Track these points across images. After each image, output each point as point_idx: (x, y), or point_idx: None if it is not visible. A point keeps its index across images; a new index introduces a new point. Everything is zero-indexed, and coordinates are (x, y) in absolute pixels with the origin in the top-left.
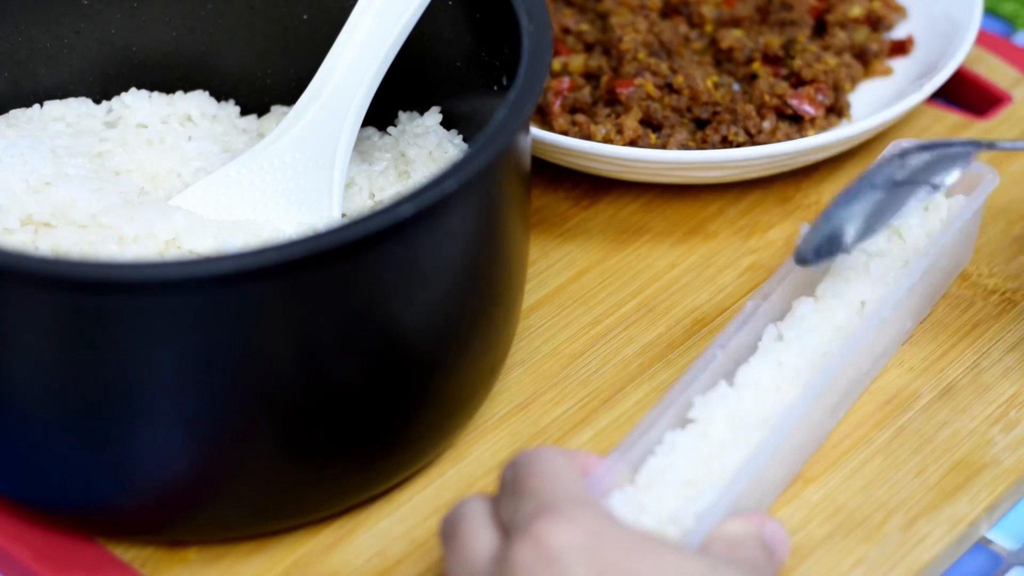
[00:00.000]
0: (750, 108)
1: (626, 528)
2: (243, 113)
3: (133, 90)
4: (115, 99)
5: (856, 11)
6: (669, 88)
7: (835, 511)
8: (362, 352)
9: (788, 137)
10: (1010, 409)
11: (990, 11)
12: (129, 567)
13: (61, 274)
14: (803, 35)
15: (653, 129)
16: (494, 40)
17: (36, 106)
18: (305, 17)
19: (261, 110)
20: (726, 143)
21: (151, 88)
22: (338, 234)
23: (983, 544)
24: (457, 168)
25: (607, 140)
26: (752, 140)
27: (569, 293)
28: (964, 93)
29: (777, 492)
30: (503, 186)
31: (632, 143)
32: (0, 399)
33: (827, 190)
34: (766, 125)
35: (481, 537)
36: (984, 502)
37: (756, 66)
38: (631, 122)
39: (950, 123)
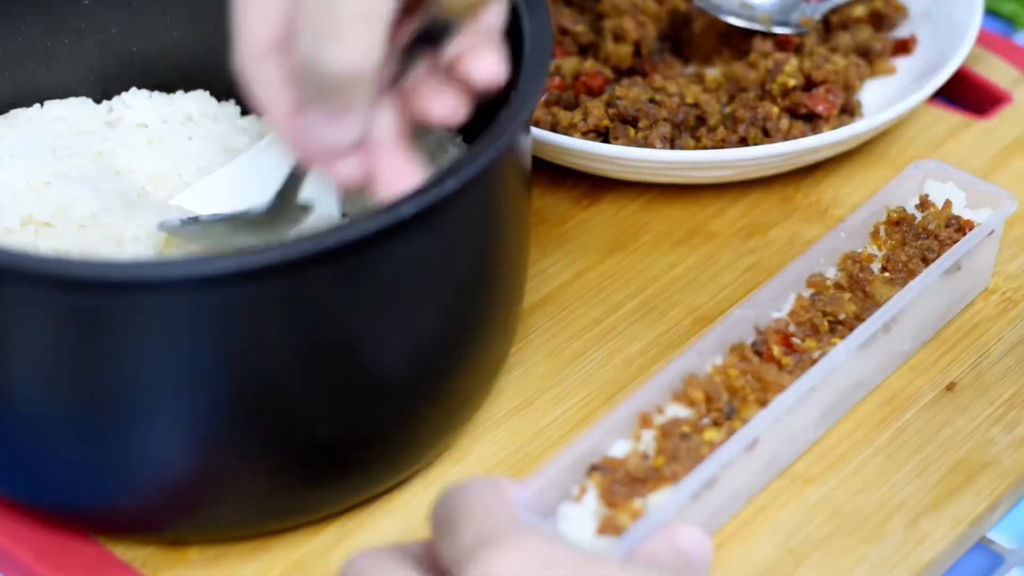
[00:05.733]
0: (769, 107)
1: (570, 550)
2: (243, 113)
3: (134, 90)
4: (115, 99)
5: (859, 11)
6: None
7: (835, 511)
8: (362, 352)
9: (802, 136)
10: (1010, 409)
11: (990, 11)
12: (129, 567)
13: (62, 273)
14: (810, 39)
15: (632, 125)
16: None
17: (37, 106)
18: None
19: None
20: (743, 142)
21: (151, 88)
22: (339, 234)
23: (984, 544)
24: (458, 168)
25: (571, 126)
26: (768, 139)
27: (569, 293)
28: (965, 93)
29: (743, 501)
30: (504, 186)
31: (606, 134)
32: (0, 399)
33: (827, 190)
34: (782, 123)
35: None
36: (985, 502)
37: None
38: (597, 109)
39: (951, 123)
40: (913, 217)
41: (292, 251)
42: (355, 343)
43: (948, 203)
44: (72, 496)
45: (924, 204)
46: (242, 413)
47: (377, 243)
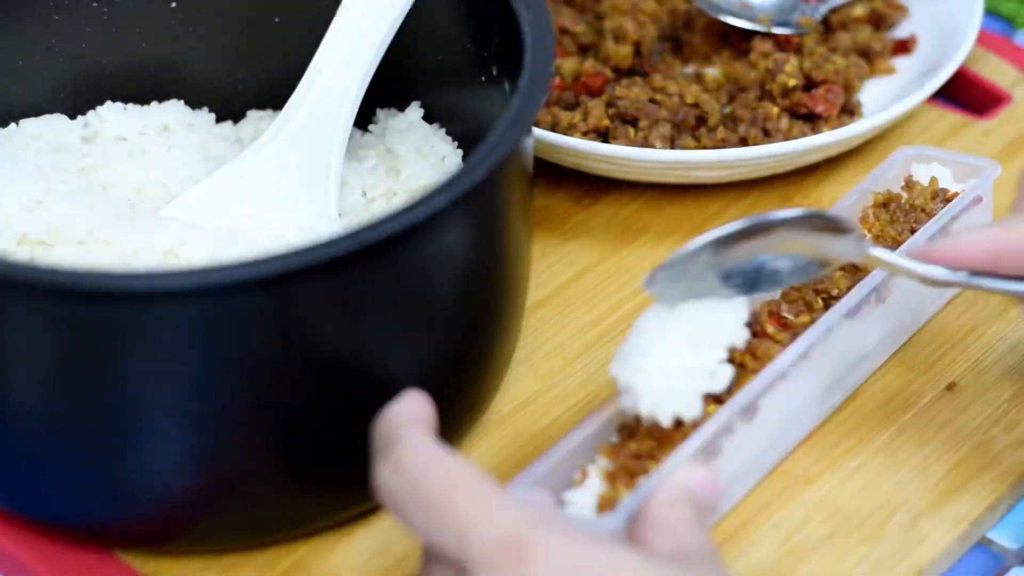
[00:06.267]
0: (769, 107)
1: (593, 548)
2: (218, 120)
3: (108, 103)
4: (91, 113)
5: (859, 11)
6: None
7: (836, 511)
8: (370, 360)
9: (802, 136)
10: (1010, 409)
11: (990, 11)
12: (129, 567)
13: (72, 285)
14: (811, 39)
15: (632, 125)
16: (481, 30)
17: (12, 125)
18: (276, 20)
19: (235, 116)
20: (743, 142)
21: (123, 100)
22: (357, 238)
23: (984, 544)
24: (468, 170)
25: (572, 126)
26: (768, 139)
27: (569, 293)
28: (965, 93)
29: (751, 481)
30: (509, 187)
31: (606, 134)
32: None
33: (827, 190)
34: (782, 123)
35: None
36: (985, 502)
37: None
38: (597, 109)
39: (951, 123)
40: (900, 196)
41: (307, 257)
42: (362, 350)
43: (934, 180)
44: (69, 514)
45: (910, 184)
46: (250, 423)
47: (389, 248)
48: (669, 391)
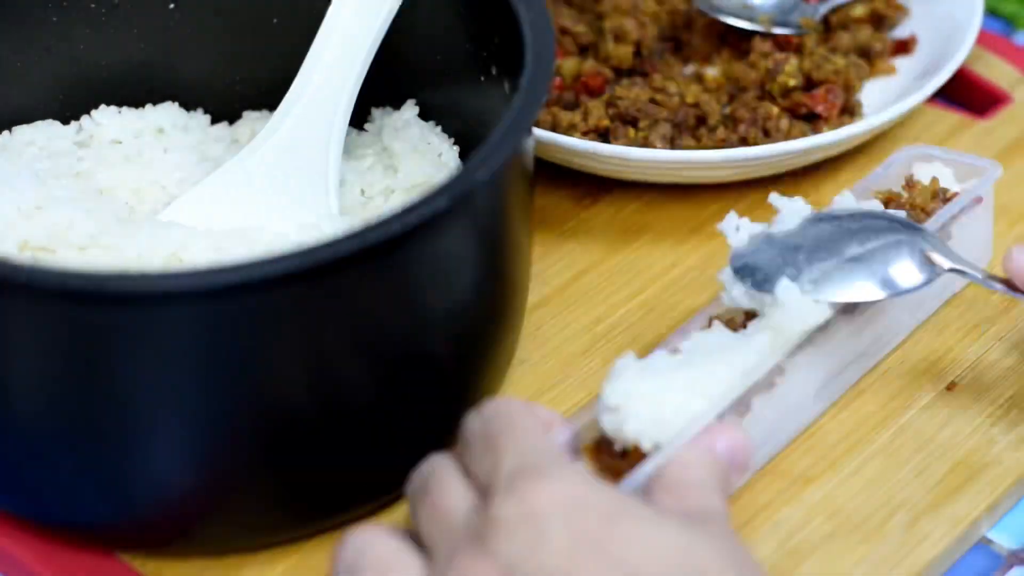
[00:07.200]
0: (769, 107)
1: (605, 492)
2: (213, 122)
3: (103, 107)
4: (84, 117)
5: (859, 11)
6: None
7: (835, 511)
8: (372, 361)
9: (802, 136)
10: (1010, 409)
11: (990, 11)
12: (130, 567)
13: (81, 287)
14: (811, 39)
15: (632, 125)
16: (481, 30)
17: (6, 132)
18: (275, 20)
19: (231, 117)
20: (743, 142)
21: (118, 103)
22: (381, 229)
23: (984, 544)
24: (470, 172)
25: (572, 126)
26: (768, 139)
27: (569, 293)
28: (965, 93)
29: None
30: (510, 188)
31: (606, 134)
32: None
33: (827, 190)
34: (782, 123)
35: (455, 492)
36: (985, 502)
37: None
38: (597, 109)
39: (951, 123)
40: (900, 196)
41: (310, 258)
42: (365, 351)
43: (935, 179)
44: (73, 515)
45: (911, 184)
46: (252, 424)
47: (392, 248)
48: (657, 420)
